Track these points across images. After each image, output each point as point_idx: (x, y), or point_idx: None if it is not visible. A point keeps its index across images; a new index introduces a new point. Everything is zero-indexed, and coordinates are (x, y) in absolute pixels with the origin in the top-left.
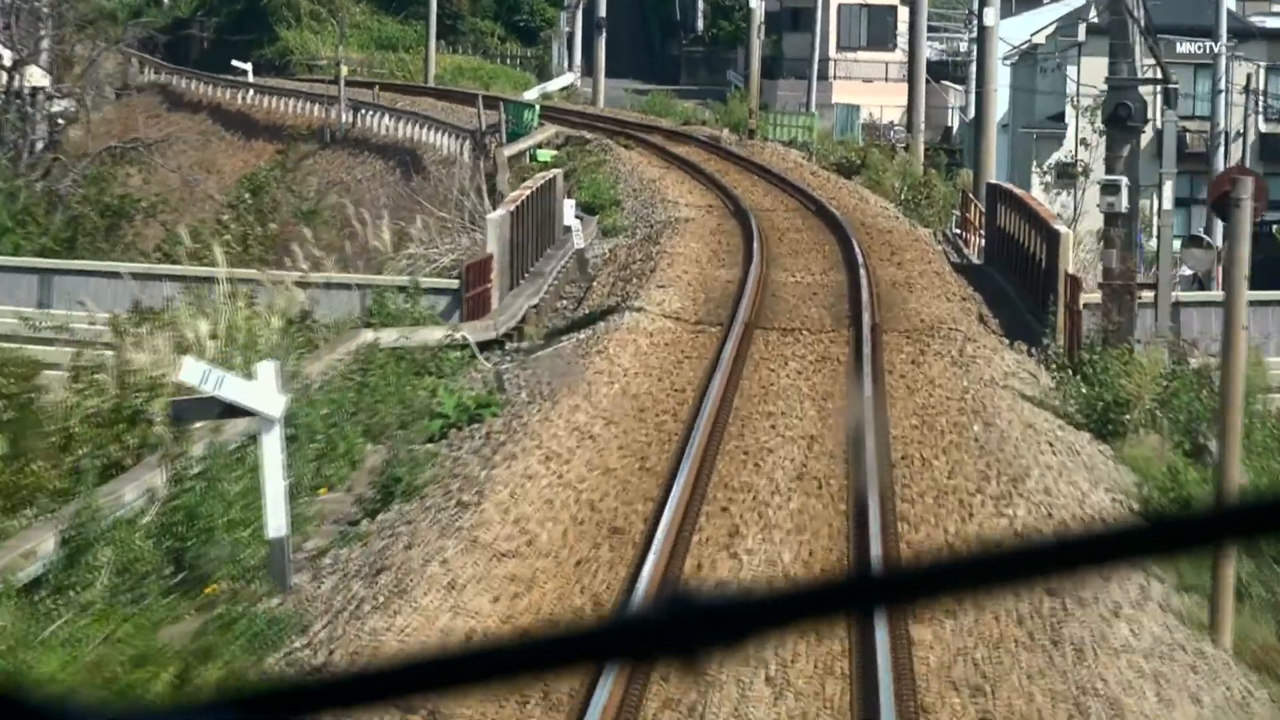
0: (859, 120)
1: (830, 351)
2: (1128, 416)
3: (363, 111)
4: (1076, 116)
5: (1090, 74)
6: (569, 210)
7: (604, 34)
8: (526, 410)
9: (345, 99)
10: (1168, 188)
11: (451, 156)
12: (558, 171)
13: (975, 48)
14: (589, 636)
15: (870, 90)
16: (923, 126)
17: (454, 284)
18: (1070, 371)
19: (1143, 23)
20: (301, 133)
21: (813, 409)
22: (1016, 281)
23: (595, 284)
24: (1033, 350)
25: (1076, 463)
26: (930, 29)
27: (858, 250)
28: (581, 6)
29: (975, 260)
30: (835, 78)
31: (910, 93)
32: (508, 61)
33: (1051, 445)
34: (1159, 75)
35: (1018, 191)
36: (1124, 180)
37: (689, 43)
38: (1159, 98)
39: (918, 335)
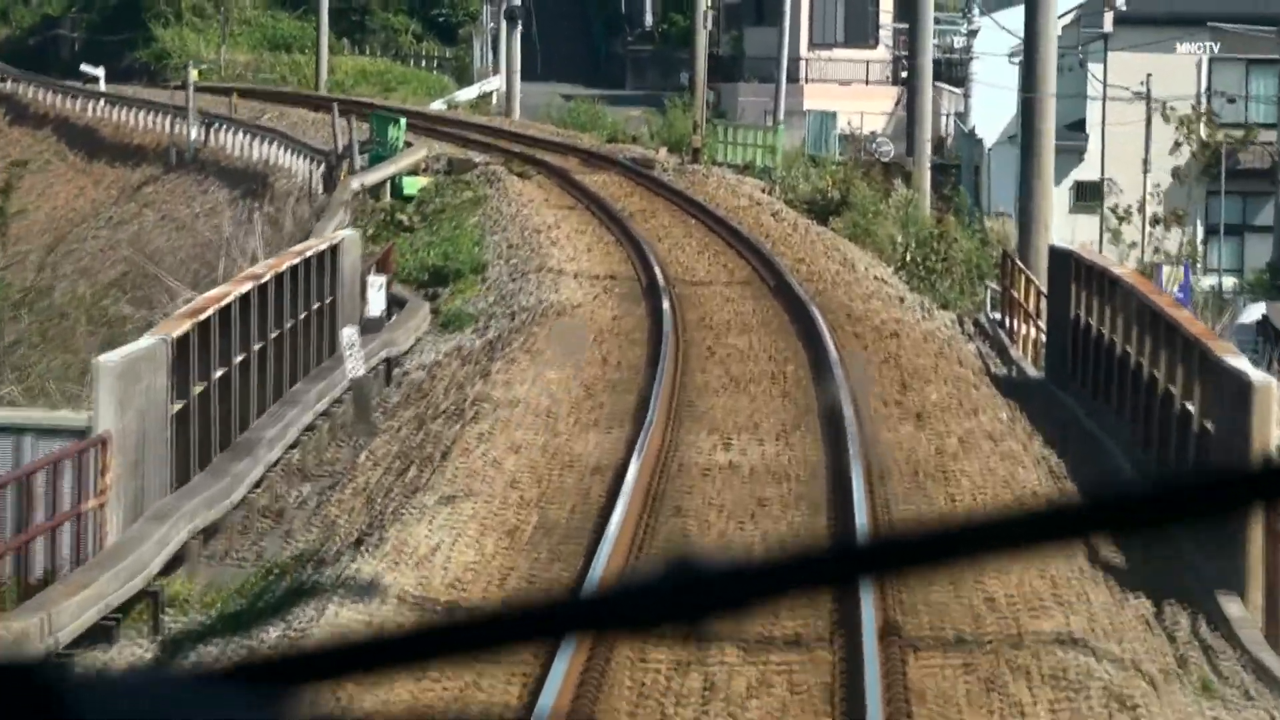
0: (835, 130)
1: None
2: None
3: (216, 127)
4: (1102, 126)
5: (1121, 73)
6: (375, 296)
7: (519, 27)
8: None
9: (196, 111)
10: None
11: (306, 184)
12: (347, 234)
13: (1024, 31)
14: (590, 604)
15: (848, 94)
16: (928, 151)
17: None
18: None
19: None
20: (149, 152)
21: None
22: (1122, 425)
23: (367, 455)
24: (1202, 629)
25: None
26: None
27: (843, 384)
28: None
29: (1032, 372)
30: (807, 80)
31: (911, 105)
32: (423, 63)
33: None
34: None
35: (1120, 273)
36: None
37: (635, 40)
38: None
39: (987, 658)
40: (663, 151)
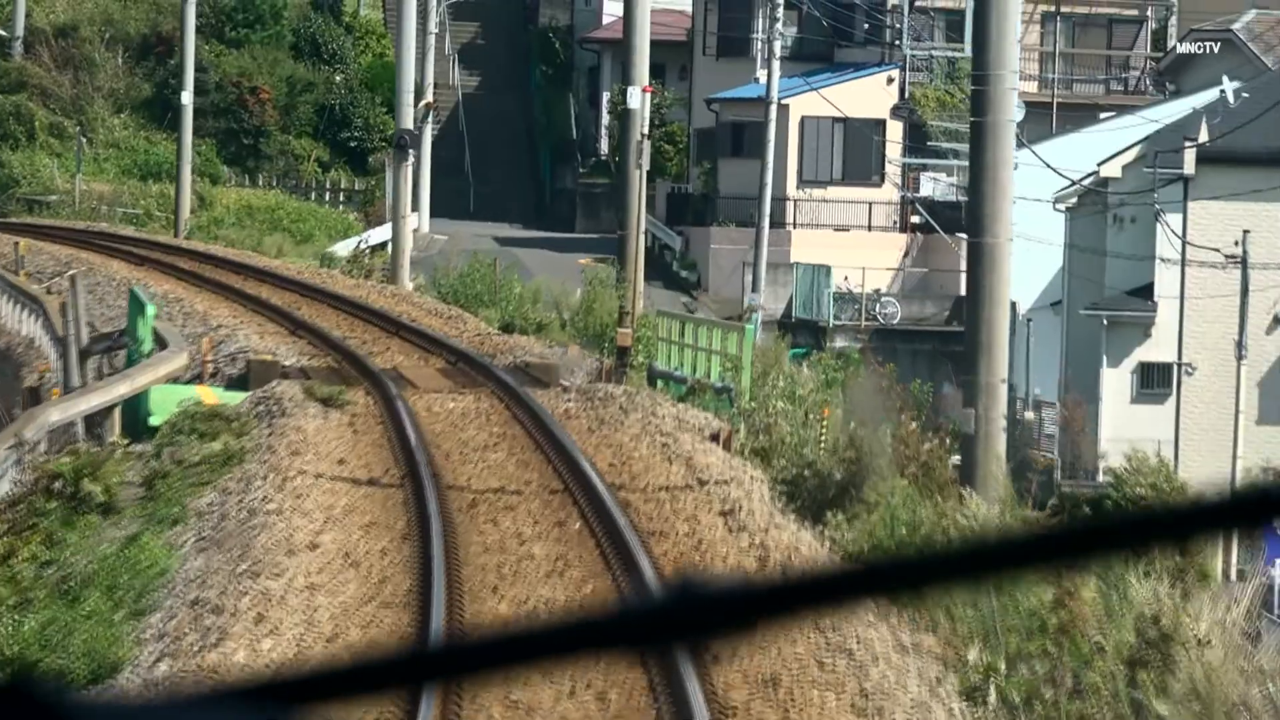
0: (829, 288)
1: None
2: None
3: None
4: (1180, 296)
5: (1205, 228)
6: None
7: (409, 159)
8: None
9: None
10: None
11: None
12: None
13: None
14: (598, 625)
15: (846, 243)
16: (1002, 414)
17: None
18: None
19: None
20: None
21: None
22: None
23: None
24: None
25: None
26: (927, 152)
27: None
28: (429, 118)
29: None
30: (795, 225)
31: (973, 325)
32: (328, 196)
33: None
34: None
35: None
36: None
37: (588, 172)
38: None
39: None
40: (574, 349)
